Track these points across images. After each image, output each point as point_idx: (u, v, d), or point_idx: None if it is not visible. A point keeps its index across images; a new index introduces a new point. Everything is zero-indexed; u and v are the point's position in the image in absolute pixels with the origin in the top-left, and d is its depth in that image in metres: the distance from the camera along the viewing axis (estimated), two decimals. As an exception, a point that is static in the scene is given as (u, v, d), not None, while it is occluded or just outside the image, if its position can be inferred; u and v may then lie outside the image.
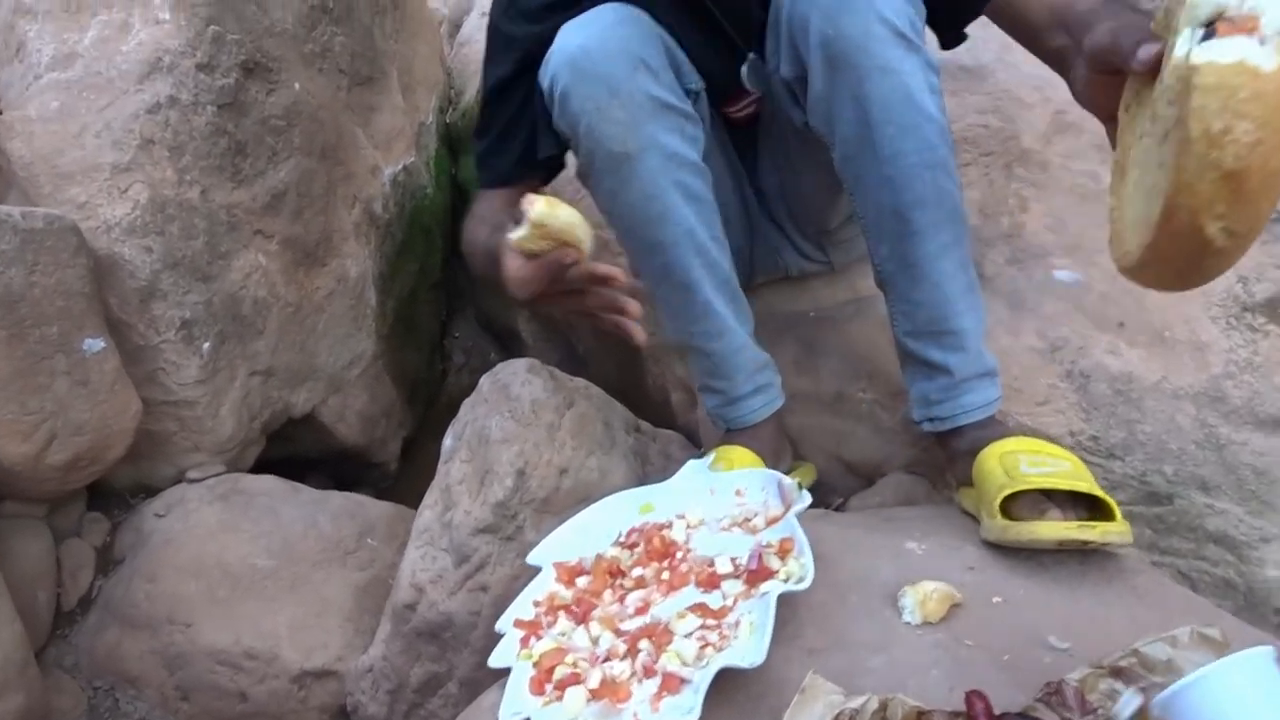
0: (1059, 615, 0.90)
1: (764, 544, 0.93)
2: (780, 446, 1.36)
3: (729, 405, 1.31)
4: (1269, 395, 1.36)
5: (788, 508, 0.97)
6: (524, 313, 2.47)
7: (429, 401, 2.67)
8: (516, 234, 0.97)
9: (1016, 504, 1.06)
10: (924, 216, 1.15)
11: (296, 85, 2.04)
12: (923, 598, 0.91)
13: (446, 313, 2.90)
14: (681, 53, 1.19)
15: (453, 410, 1.54)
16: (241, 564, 1.64)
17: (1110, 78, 0.81)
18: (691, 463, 1.14)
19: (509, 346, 2.72)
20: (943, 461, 1.31)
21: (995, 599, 0.95)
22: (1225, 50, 0.66)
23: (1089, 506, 1.06)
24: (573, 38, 1.09)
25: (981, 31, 1.26)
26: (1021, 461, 1.08)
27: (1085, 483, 1.05)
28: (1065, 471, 1.06)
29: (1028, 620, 0.88)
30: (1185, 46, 0.68)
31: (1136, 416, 1.35)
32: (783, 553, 0.91)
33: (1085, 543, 0.99)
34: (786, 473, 1.40)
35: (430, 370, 2.70)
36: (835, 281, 1.57)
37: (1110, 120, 0.86)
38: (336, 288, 2.12)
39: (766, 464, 1.29)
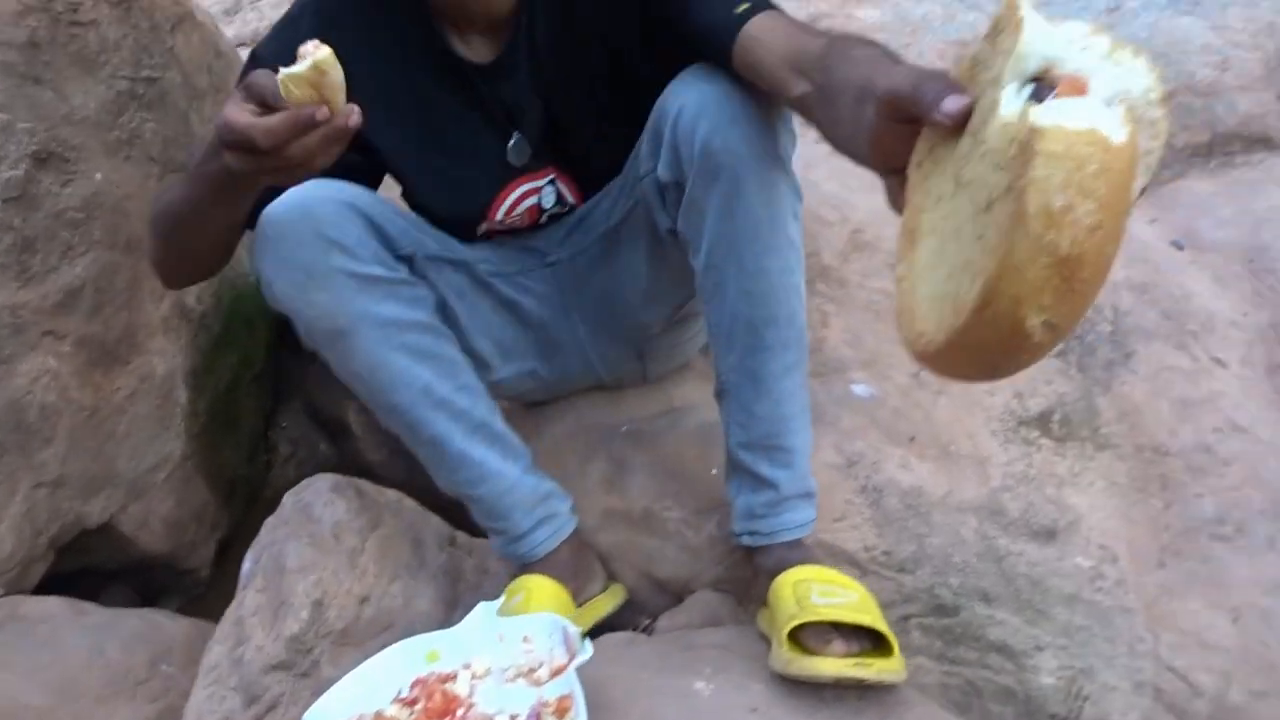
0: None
1: (543, 701, 0.92)
2: (583, 569, 1.36)
3: (514, 543, 1.31)
4: (1041, 507, 1.45)
5: (571, 658, 0.97)
6: (355, 403, 2.40)
7: (250, 498, 2.54)
8: (291, 70, 0.88)
9: (805, 633, 1.09)
10: (775, 334, 1.19)
11: (98, 175, 1.94)
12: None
13: (272, 403, 2.79)
14: (395, 218, 1.22)
15: (276, 505, 1.48)
16: (13, 705, 1.50)
17: (901, 127, 0.71)
18: (482, 605, 1.12)
19: (338, 438, 2.63)
20: (749, 578, 1.34)
21: (778, 745, 0.97)
22: (1072, 114, 0.56)
23: (873, 639, 1.10)
24: (267, 227, 1.10)
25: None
26: (813, 591, 1.11)
27: (869, 616, 1.09)
28: (852, 604, 1.10)
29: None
30: (1014, 103, 0.60)
31: (925, 530, 1.41)
32: (560, 711, 0.90)
33: (861, 680, 1.02)
34: (599, 592, 1.41)
35: (252, 465, 2.58)
36: (650, 393, 1.59)
37: (890, 174, 0.75)
38: (140, 387, 2.00)
39: (567, 588, 1.29)
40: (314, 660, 1.30)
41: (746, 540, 1.26)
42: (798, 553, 1.24)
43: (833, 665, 1.02)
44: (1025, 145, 0.55)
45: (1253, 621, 1.34)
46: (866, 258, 1.65)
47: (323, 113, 0.88)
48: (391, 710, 0.98)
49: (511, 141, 1.29)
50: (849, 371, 1.56)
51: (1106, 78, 0.59)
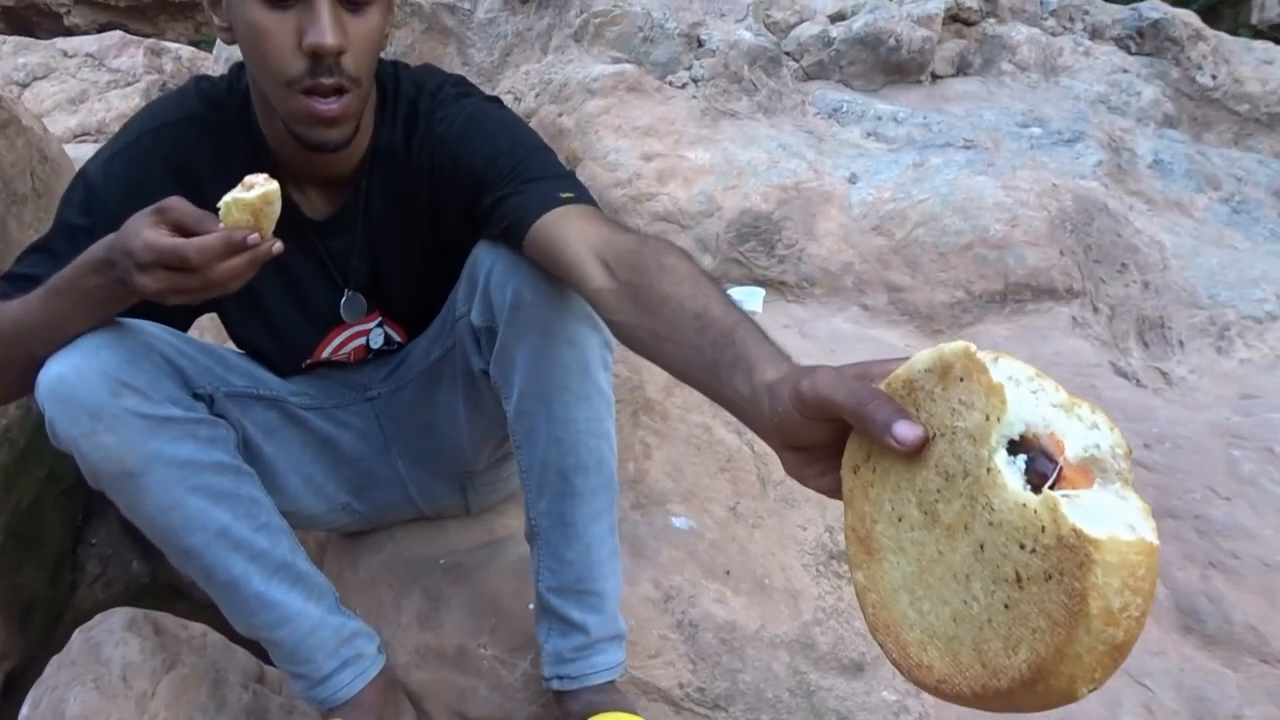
0: None
1: None
2: (389, 710, 1.32)
3: (316, 686, 1.26)
4: (850, 640, 1.50)
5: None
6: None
7: (52, 621, 2.36)
8: (240, 195, 0.95)
9: (603, 781, 1.09)
10: (585, 481, 1.21)
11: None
12: None
13: (82, 518, 2.62)
14: (196, 356, 1.20)
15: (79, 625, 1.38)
16: None
17: (819, 424, 0.70)
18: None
19: (151, 555, 2.49)
20: (559, 720, 1.32)
21: None
22: (1112, 520, 0.60)
23: (671, 784, 1.10)
24: (52, 367, 1.06)
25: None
26: (609, 741, 1.11)
27: (666, 764, 1.09)
28: (648, 750, 1.10)
29: None
30: (1015, 478, 0.63)
31: (739, 666, 1.43)
32: None
33: None
34: (406, 735, 1.36)
35: (54, 587, 2.40)
36: (471, 524, 1.58)
37: (786, 450, 0.74)
38: (-76, 508, 1.85)
39: (372, 734, 1.25)
40: (88, 819, 1.20)
41: (556, 685, 1.26)
42: (606, 696, 1.24)
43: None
44: (1076, 549, 0.59)
45: (1039, 751, 1.41)
46: (688, 393, 1.71)
47: (254, 238, 0.95)
48: None
49: (344, 297, 1.30)
50: (669, 504, 1.59)
51: (1076, 435, 0.64)
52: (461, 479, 1.49)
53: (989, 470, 0.63)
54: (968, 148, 2.40)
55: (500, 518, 1.60)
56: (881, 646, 0.70)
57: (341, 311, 1.30)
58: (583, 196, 1.12)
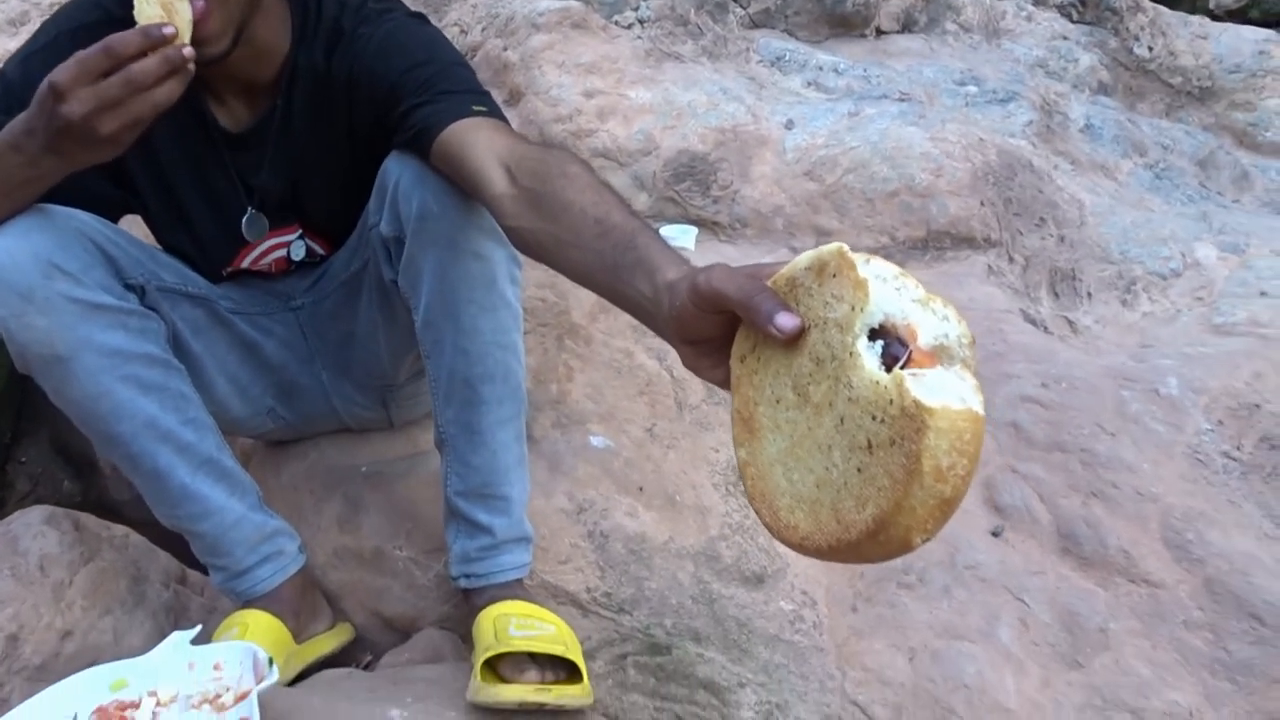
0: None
1: (218, 724, 0.94)
2: (306, 607, 1.37)
3: (235, 579, 1.31)
4: (754, 554, 1.57)
5: (258, 683, 0.99)
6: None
7: (-24, 535, 2.36)
8: None
9: (502, 663, 1.15)
10: (491, 390, 1.26)
11: None
12: (379, 775, 0.95)
13: (12, 435, 2.61)
14: (128, 248, 1.22)
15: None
16: None
17: (711, 316, 0.76)
18: (176, 634, 1.12)
19: (83, 474, 2.50)
20: (466, 617, 1.38)
21: (456, 767, 1.01)
22: (946, 393, 0.68)
23: (567, 668, 1.17)
24: None
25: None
26: (511, 624, 1.18)
27: (562, 646, 1.16)
28: (549, 635, 1.17)
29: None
30: (873, 360, 0.70)
31: (645, 574, 1.50)
32: (235, 735, 0.92)
33: (541, 704, 1.09)
34: (324, 630, 1.42)
35: (-18, 503, 2.40)
36: (394, 436, 1.63)
37: (684, 345, 0.81)
38: None
39: (288, 625, 1.30)
40: (4, 697, 1.24)
41: (463, 583, 1.32)
42: (511, 592, 1.30)
43: (515, 691, 1.09)
44: (915, 417, 0.67)
45: (925, 662, 1.50)
46: (612, 318, 1.76)
47: (170, 30, 0.94)
48: (64, 736, 0.96)
49: (246, 216, 1.33)
50: (588, 424, 1.65)
51: (929, 326, 0.71)
52: (383, 391, 1.53)
53: (851, 354, 0.71)
54: (902, 100, 2.47)
55: (424, 432, 1.64)
56: (757, 513, 0.80)
57: (243, 229, 1.33)
58: (494, 111, 1.15)
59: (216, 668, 1.04)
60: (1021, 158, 2.34)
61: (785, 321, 0.72)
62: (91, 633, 1.32)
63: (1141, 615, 1.51)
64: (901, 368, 0.70)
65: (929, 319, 0.72)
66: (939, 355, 0.71)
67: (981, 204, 2.15)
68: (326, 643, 1.38)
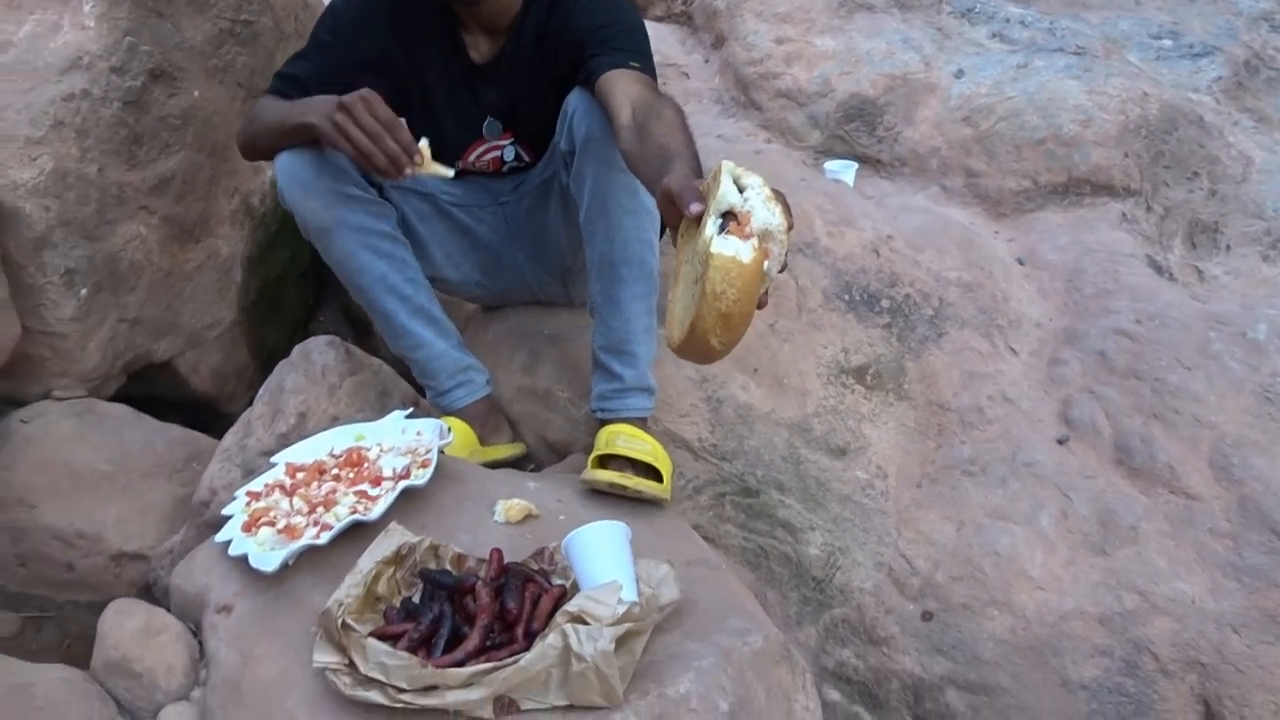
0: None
1: (413, 462, 1.45)
2: (490, 422, 1.88)
3: (439, 396, 1.84)
4: (841, 433, 1.92)
5: (441, 439, 1.50)
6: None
7: (285, 372, 3.10)
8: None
9: (612, 463, 1.60)
10: (629, 271, 1.69)
11: (196, 93, 2.49)
12: (508, 507, 1.44)
13: (314, 300, 3.34)
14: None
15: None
16: (85, 467, 2.06)
17: (670, 205, 1.14)
18: (397, 411, 1.65)
19: (365, 335, 3.18)
20: (601, 439, 1.84)
21: (561, 517, 1.48)
22: (727, 246, 1.05)
23: (657, 476, 1.60)
24: (285, 152, 1.61)
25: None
26: (620, 438, 1.62)
27: (652, 458, 1.60)
28: (645, 449, 1.61)
29: (575, 528, 1.39)
30: (711, 230, 1.06)
31: (747, 434, 1.89)
32: (423, 464, 1.43)
33: (624, 487, 1.53)
34: (504, 442, 1.93)
35: (290, 345, 3.14)
36: (574, 311, 2.10)
37: (672, 227, 1.20)
38: (206, 262, 2.56)
39: (475, 430, 1.81)
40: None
41: (599, 415, 1.77)
42: (632, 426, 1.74)
43: (608, 475, 1.54)
44: (706, 259, 1.06)
45: (969, 532, 1.80)
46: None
47: (417, 159, 1.49)
48: (324, 458, 1.51)
49: (486, 122, 1.82)
50: (723, 315, 2.04)
51: (761, 215, 1.08)
52: (564, 274, 2.00)
53: (706, 226, 1.10)
54: (1077, 54, 2.60)
55: (596, 311, 2.10)
56: (666, 333, 1.22)
57: (483, 129, 1.82)
58: (645, 68, 1.56)
59: (419, 433, 1.56)
60: (1190, 112, 2.43)
61: (694, 209, 1.09)
62: (351, 420, 1.89)
63: (1173, 520, 1.72)
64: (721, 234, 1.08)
65: (763, 212, 1.09)
66: (765, 235, 1.09)
67: (1126, 155, 2.30)
68: (504, 450, 1.89)
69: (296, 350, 2.04)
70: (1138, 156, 2.30)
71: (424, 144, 1.53)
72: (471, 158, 1.87)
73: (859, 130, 2.55)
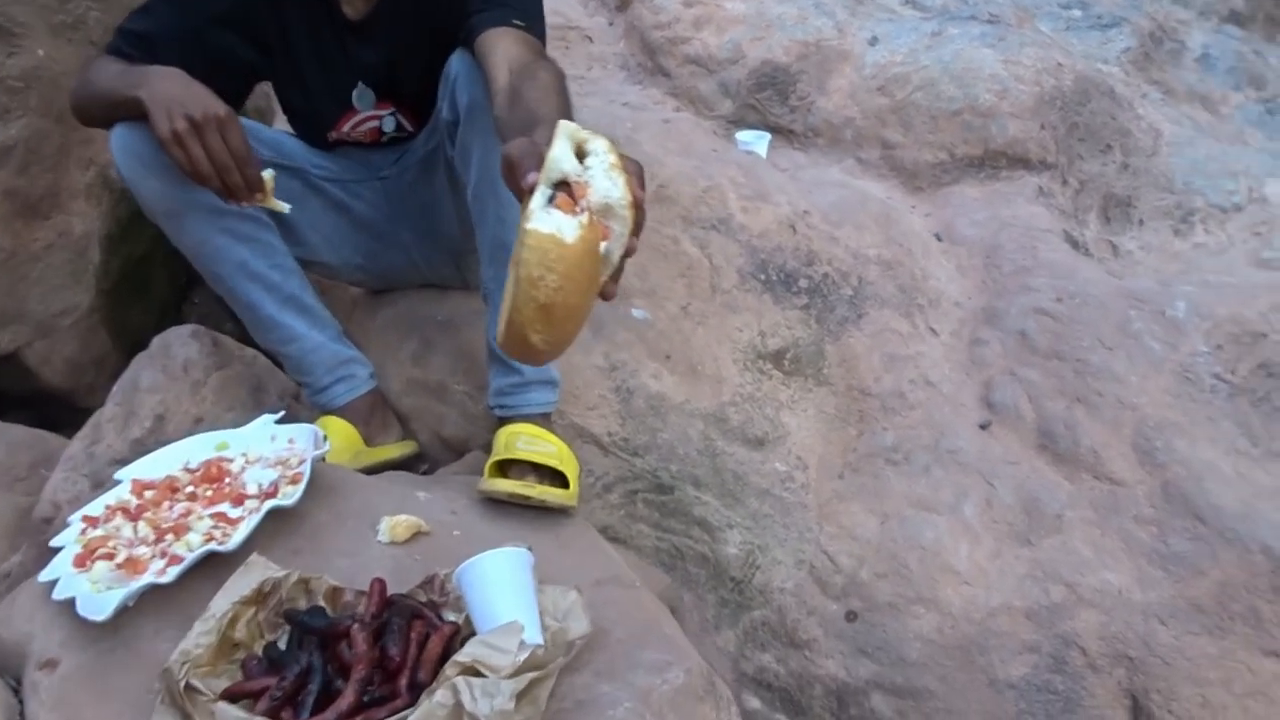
0: (499, 543, 1.26)
1: (283, 475, 1.27)
2: (376, 420, 1.70)
3: (317, 394, 1.65)
4: (759, 422, 1.81)
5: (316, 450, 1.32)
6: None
7: (154, 358, 2.84)
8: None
9: (512, 469, 1.45)
10: None
11: (41, 52, 2.21)
12: (394, 524, 1.27)
13: (187, 281, 3.08)
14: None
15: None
16: (-85, 477, 1.82)
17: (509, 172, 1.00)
18: (265, 417, 1.46)
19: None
20: (497, 437, 1.69)
21: (455, 533, 1.32)
22: (546, 222, 0.88)
23: (563, 481, 1.46)
24: (119, 129, 1.41)
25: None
26: (520, 440, 1.47)
27: (556, 461, 1.45)
28: (548, 452, 1.46)
29: (473, 547, 1.24)
30: (536, 203, 0.90)
31: (660, 426, 1.77)
32: (294, 481, 1.24)
33: (527, 497, 1.38)
34: (392, 441, 1.76)
35: (159, 330, 2.88)
36: (469, 294, 1.93)
37: (521, 201, 0.99)
38: (57, 241, 2.29)
39: (358, 430, 1.64)
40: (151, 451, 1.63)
41: (498, 412, 1.61)
42: (532, 422, 1.59)
43: (507, 485, 1.38)
44: (523, 235, 0.88)
45: (893, 525, 1.71)
46: (665, 208, 1.99)
47: (248, 198, 1.36)
48: (177, 473, 1.32)
49: (356, 89, 1.62)
50: (632, 298, 1.90)
51: (601, 186, 0.91)
52: (456, 255, 1.83)
53: (533, 196, 0.93)
54: (990, 22, 2.53)
55: (494, 294, 1.94)
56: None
57: (354, 100, 1.62)
58: (531, 28, 1.39)
59: (290, 441, 1.38)
60: (1101, 84, 2.39)
61: (529, 180, 0.94)
62: (217, 421, 1.69)
63: (1098, 507, 1.67)
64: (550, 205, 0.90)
65: (603, 183, 0.93)
66: (605, 211, 0.92)
67: (1042, 127, 2.23)
68: (393, 450, 1.72)
69: (155, 342, 1.83)
70: (1053, 129, 2.24)
71: (268, 174, 1.39)
72: (346, 128, 1.68)
73: (771, 99, 2.43)
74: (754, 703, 1.66)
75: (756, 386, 1.85)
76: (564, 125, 0.96)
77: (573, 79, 1.47)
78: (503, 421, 1.62)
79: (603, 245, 0.92)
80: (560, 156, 0.93)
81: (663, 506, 1.73)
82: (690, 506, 1.73)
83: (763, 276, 1.97)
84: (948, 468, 1.75)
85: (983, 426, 1.81)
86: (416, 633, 1.04)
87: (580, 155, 0.97)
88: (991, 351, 1.89)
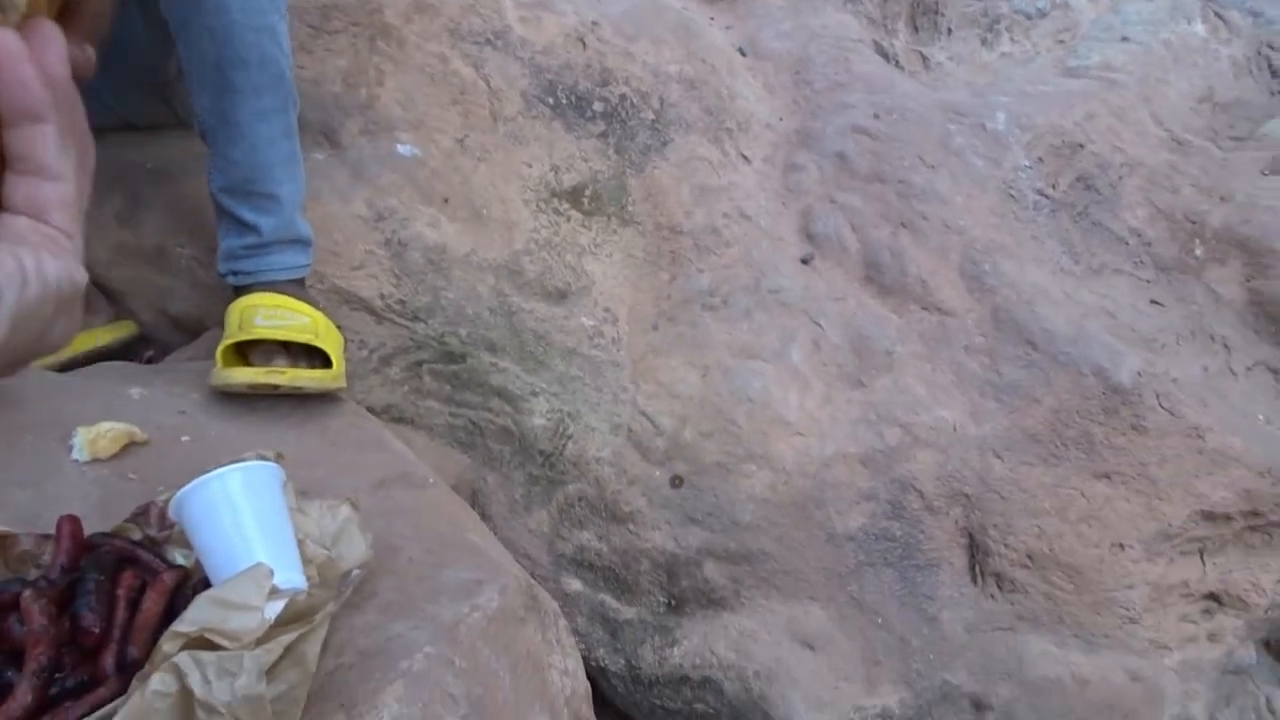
0: (242, 450, 0.98)
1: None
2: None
3: None
4: (559, 271, 1.57)
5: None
6: None
7: None
8: None
9: (255, 351, 1.14)
10: (245, 77, 1.17)
11: None
12: (94, 436, 0.95)
13: None
14: None
15: None
16: None
17: None
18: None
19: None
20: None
21: (184, 438, 1.02)
22: None
23: (323, 358, 1.16)
24: None
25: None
26: (258, 314, 1.15)
27: (311, 335, 1.15)
28: (298, 325, 1.16)
29: (207, 457, 0.95)
30: None
31: (443, 284, 1.49)
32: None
33: (274, 386, 1.09)
34: (101, 325, 1.38)
35: None
36: (189, 134, 1.53)
37: None
38: None
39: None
40: None
41: (231, 280, 1.28)
42: (287, 289, 1.27)
43: (244, 374, 1.08)
44: None
45: (716, 378, 1.54)
46: (428, 20, 1.64)
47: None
48: None
49: None
50: (396, 131, 1.57)
51: None
52: (160, 88, 1.42)
53: None
54: None
55: (220, 132, 1.55)
56: None
57: None
58: None
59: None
60: (904, -122, 2.18)
61: None
62: None
63: (928, 340, 1.56)
64: None
65: None
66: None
67: (847, -76, 2.02)
68: (104, 334, 1.36)
69: None
70: (860, -74, 2.03)
71: None
72: None
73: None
74: (575, 585, 1.49)
75: (553, 230, 1.59)
76: None
77: None
78: (239, 292, 1.29)
79: None
80: None
81: (454, 377, 1.48)
82: (486, 375, 1.48)
83: (551, 100, 1.68)
84: (770, 310, 1.58)
85: (804, 261, 1.65)
86: (125, 588, 0.76)
87: None
88: (809, 177, 1.71)
